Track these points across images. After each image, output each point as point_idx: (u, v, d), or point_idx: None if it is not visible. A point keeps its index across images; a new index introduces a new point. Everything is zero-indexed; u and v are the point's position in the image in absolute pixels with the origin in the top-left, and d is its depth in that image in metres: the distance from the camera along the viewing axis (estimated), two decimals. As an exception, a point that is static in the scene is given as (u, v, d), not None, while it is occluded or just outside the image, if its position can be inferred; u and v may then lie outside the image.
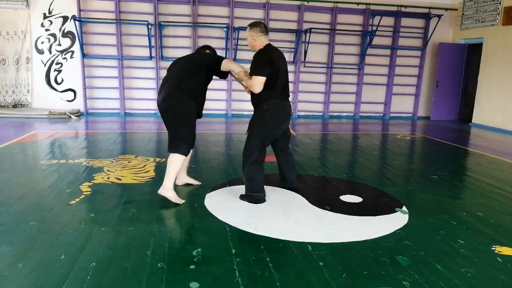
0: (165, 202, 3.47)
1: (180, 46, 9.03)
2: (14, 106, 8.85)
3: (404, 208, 3.56)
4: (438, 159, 5.88)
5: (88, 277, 2.25)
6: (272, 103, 3.44)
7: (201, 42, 8.64)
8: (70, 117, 8.44)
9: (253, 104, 3.58)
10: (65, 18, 8.68)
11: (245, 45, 8.93)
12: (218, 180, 4.23)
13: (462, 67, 10.19)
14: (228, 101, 9.62)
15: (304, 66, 9.78)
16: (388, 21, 9.87)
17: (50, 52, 8.82)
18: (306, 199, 3.69)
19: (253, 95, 3.51)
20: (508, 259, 2.66)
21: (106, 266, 2.38)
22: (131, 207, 3.35)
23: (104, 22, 8.73)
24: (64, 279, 2.22)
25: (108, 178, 4.16)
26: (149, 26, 8.65)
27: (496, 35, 8.75)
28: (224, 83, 9.42)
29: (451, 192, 4.12)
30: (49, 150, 5.54)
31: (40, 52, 8.78)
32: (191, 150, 3.61)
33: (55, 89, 9.01)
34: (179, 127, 3.42)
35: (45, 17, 8.64)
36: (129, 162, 4.85)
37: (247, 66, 3.58)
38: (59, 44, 8.82)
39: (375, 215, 3.36)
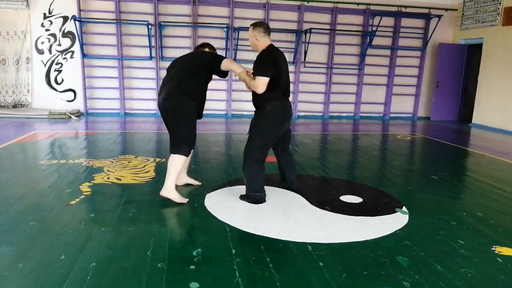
0: (165, 202, 3.47)
1: (180, 46, 9.03)
2: (14, 106, 8.86)
3: (404, 209, 3.56)
4: (438, 159, 5.88)
5: (88, 277, 2.25)
6: (275, 104, 3.44)
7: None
8: (70, 117, 8.44)
9: (255, 105, 3.58)
10: (65, 18, 8.68)
11: (245, 45, 8.96)
12: (218, 180, 4.23)
13: (462, 68, 10.19)
14: (228, 101, 9.62)
15: (304, 66, 9.78)
16: (388, 21, 9.87)
17: (50, 52, 8.82)
18: (306, 199, 3.69)
19: (255, 96, 3.50)
20: (508, 259, 2.66)
21: (106, 266, 2.38)
22: (131, 207, 3.35)
23: (104, 22, 8.73)
24: (64, 279, 2.22)
25: (108, 178, 4.16)
26: (149, 26, 8.65)
27: (496, 36, 8.75)
28: (224, 83, 9.43)
29: (451, 193, 4.12)
30: (49, 150, 5.54)
31: (40, 52, 8.78)
32: (191, 150, 3.61)
33: (55, 89, 9.01)
34: (180, 128, 3.42)
35: (45, 17, 8.64)
36: (129, 162, 4.85)
37: (247, 66, 3.58)
38: (59, 44, 8.82)
39: (375, 216, 3.36)
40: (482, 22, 9.15)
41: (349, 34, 9.76)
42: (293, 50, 9.57)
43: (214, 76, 3.64)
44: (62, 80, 9.00)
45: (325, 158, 5.63)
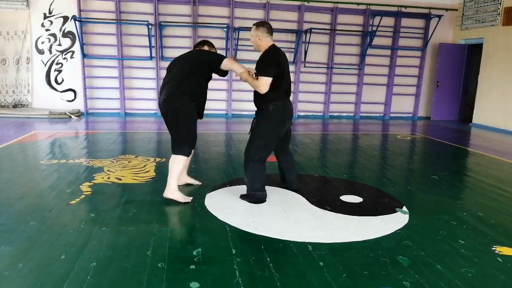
0: (165, 202, 3.47)
1: (180, 46, 9.02)
2: (15, 106, 8.86)
3: (404, 208, 3.55)
4: (439, 159, 5.87)
5: (88, 277, 2.25)
6: (278, 104, 3.44)
7: (201, 42, 8.63)
8: (70, 117, 8.44)
9: (257, 105, 3.57)
10: (65, 18, 8.69)
11: (245, 45, 8.96)
12: (218, 180, 4.23)
13: (462, 67, 10.19)
14: (228, 101, 9.62)
15: (304, 66, 9.78)
16: (388, 21, 9.87)
17: (51, 52, 8.82)
18: (306, 199, 3.69)
19: (257, 96, 3.49)
20: (509, 259, 2.66)
21: (106, 266, 2.38)
22: (131, 207, 3.35)
23: (104, 22, 8.73)
24: (64, 279, 2.22)
25: (108, 178, 4.16)
26: (149, 26, 8.65)
27: (496, 36, 8.75)
28: (224, 83, 9.43)
29: (451, 192, 4.12)
30: (49, 150, 5.54)
31: (41, 52, 8.78)
32: (192, 150, 3.60)
33: (55, 89, 9.01)
34: (180, 129, 3.41)
35: (45, 17, 8.64)
36: (129, 162, 4.85)
37: (249, 66, 3.57)
38: (60, 44, 8.82)
39: (375, 215, 3.36)
40: (482, 22, 9.15)
41: (349, 34, 9.75)
42: (293, 50, 9.57)
43: (214, 76, 3.62)
44: (62, 80, 9.00)
45: (325, 158, 5.63)
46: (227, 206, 3.45)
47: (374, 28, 9.62)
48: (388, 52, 10.11)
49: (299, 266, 2.46)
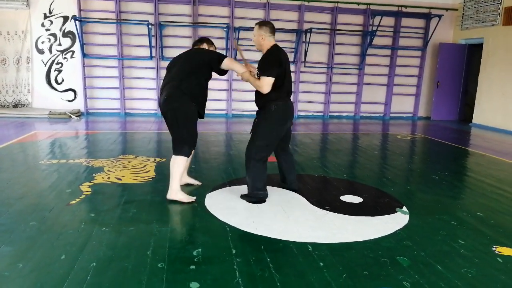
0: (165, 202, 3.47)
1: (180, 46, 9.01)
2: (15, 106, 8.86)
3: (404, 209, 3.55)
4: (439, 159, 5.87)
5: (88, 277, 2.25)
6: (280, 104, 3.44)
7: (202, 42, 8.62)
8: (71, 117, 8.44)
9: (259, 105, 3.56)
10: (65, 18, 8.69)
11: (245, 45, 8.95)
12: (219, 180, 4.23)
13: (462, 67, 10.19)
14: (228, 101, 9.62)
15: (305, 66, 9.78)
16: (389, 21, 9.87)
17: (51, 52, 8.82)
18: (306, 199, 3.69)
19: (259, 96, 3.49)
20: (509, 259, 2.65)
21: (106, 266, 2.38)
22: (131, 207, 3.35)
23: (104, 22, 8.73)
24: (64, 279, 2.22)
25: (109, 178, 4.16)
26: (150, 26, 8.65)
27: (496, 35, 8.75)
28: (224, 83, 9.43)
29: (451, 193, 4.12)
30: (49, 150, 5.54)
31: (41, 52, 8.78)
32: (193, 151, 3.60)
33: (56, 89, 9.01)
34: (180, 129, 3.41)
35: (45, 17, 8.64)
36: (129, 162, 4.85)
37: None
38: (60, 44, 8.82)
39: (375, 215, 3.36)
40: (483, 22, 9.14)
41: (350, 34, 9.75)
42: (293, 50, 9.57)
43: (214, 76, 3.62)
44: (63, 80, 9.00)
45: (325, 158, 5.63)
46: (227, 206, 3.45)
47: (374, 28, 9.62)
48: (388, 52, 10.11)
49: (299, 266, 2.46)
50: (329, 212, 3.39)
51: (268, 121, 3.46)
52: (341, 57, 9.88)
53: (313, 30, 9.28)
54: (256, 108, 3.62)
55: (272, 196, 3.68)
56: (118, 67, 9.05)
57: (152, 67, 9.18)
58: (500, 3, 8.58)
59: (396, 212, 3.47)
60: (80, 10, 8.58)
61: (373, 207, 3.60)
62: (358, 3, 9.56)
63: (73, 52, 8.88)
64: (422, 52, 10.21)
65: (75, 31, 8.62)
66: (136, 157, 5.11)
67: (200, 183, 4.01)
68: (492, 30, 8.86)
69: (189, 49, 3.82)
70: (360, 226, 3.13)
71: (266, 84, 3.34)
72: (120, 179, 4.12)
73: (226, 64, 3.44)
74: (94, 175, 4.24)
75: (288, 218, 3.23)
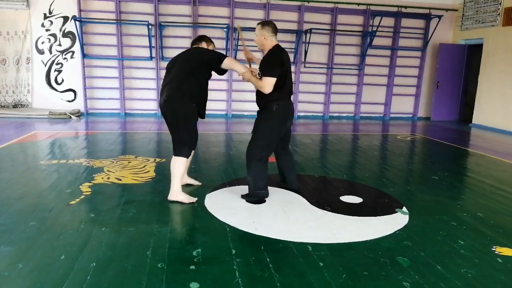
0: (165, 203, 3.47)
1: (180, 46, 8.99)
2: (15, 106, 8.86)
3: (404, 209, 3.55)
4: (438, 159, 5.87)
5: (88, 277, 2.25)
6: (281, 104, 3.45)
7: (202, 43, 8.63)
8: (70, 117, 8.44)
9: (260, 105, 3.56)
10: (65, 18, 8.69)
11: (245, 45, 8.95)
12: (218, 180, 4.23)
13: (462, 68, 10.19)
14: (228, 101, 9.61)
15: (304, 67, 9.78)
16: (388, 21, 9.87)
17: (51, 52, 8.82)
18: (306, 199, 3.69)
19: (260, 96, 3.49)
20: (508, 259, 2.66)
21: (106, 266, 2.38)
22: (131, 208, 3.35)
23: (104, 22, 8.74)
24: (64, 279, 2.22)
25: (108, 178, 4.16)
26: (150, 27, 8.66)
27: (496, 36, 8.75)
28: (224, 83, 9.43)
29: (451, 193, 4.12)
30: (49, 150, 5.54)
31: (41, 52, 8.78)
32: (192, 151, 3.60)
33: (56, 89, 9.01)
34: (180, 130, 3.41)
35: (45, 17, 8.64)
36: (129, 162, 4.85)
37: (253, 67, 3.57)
38: (60, 44, 8.82)
39: (375, 216, 3.36)
40: (482, 23, 9.15)
41: (349, 34, 9.76)
42: (293, 50, 9.57)
43: (214, 76, 3.61)
44: (62, 80, 9.00)
45: (325, 158, 5.63)
46: (227, 206, 3.45)
47: (374, 29, 9.62)
48: (388, 52, 10.11)
49: (299, 267, 2.46)
50: (329, 212, 3.39)
51: (268, 121, 3.47)
52: (341, 57, 9.88)
53: (313, 30, 9.29)
54: (257, 108, 3.62)
55: (272, 196, 3.68)
56: (118, 68, 9.05)
57: (152, 67, 9.18)
58: (500, 3, 8.59)
59: (396, 212, 3.47)
60: (80, 10, 8.58)
61: (373, 207, 3.60)
62: (358, 4, 9.56)
63: (73, 52, 8.88)
64: (422, 53, 10.21)
65: (75, 32, 8.62)
66: (136, 157, 5.11)
67: (200, 184, 4.01)
68: (492, 30, 8.87)
69: (188, 48, 3.80)
70: (360, 226, 3.13)
71: (268, 84, 3.34)
72: (120, 180, 4.12)
73: (226, 64, 3.43)
74: (94, 175, 4.24)
75: (288, 218, 3.23)
